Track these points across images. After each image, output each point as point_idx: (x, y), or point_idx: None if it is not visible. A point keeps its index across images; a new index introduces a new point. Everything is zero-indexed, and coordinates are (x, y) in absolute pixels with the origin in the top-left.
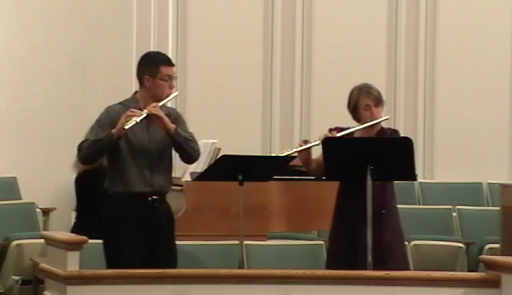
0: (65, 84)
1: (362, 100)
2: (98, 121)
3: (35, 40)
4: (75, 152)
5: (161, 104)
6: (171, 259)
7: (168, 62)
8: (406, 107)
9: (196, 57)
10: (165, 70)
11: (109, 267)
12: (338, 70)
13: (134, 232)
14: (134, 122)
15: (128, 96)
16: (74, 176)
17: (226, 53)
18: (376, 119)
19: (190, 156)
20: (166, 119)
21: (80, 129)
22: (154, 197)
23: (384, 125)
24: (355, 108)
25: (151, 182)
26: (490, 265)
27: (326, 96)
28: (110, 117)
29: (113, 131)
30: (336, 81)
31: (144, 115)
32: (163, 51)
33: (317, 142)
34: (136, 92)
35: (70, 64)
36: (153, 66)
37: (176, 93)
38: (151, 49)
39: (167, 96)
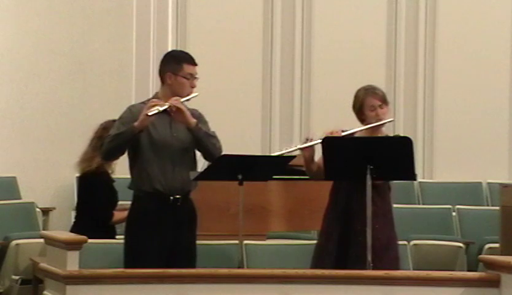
0: (65, 84)
1: (368, 101)
2: (120, 118)
3: (35, 40)
4: (75, 151)
5: (181, 100)
6: (191, 258)
7: (191, 61)
8: (406, 107)
9: (196, 57)
10: (188, 68)
11: (127, 266)
12: (338, 71)
13: (155, 232)
14: (157, 110)
15: (127, 96)
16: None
17: (226, 53)
18: (380, 120)
19: (210, 152)
20: (188, 113)
21: (79, 129)
22: (176, 196)
23: (389, 131)
24: (360, 109)
25: (172, 180)
26: (490, 265)
27: (326, 96)
28: (132, 115)
29: (135, 123)
30: (336, 81)
31: (166, 106)
32: (162, 51)
33: (320, 141)
34: (157, 93)
35: (70, 64)
36: (176, 63)
37: (196, 94)
38: (151, 49)
39: (188, 95)
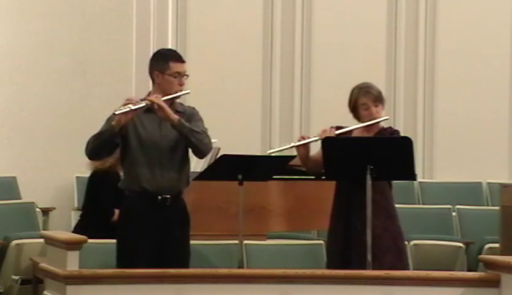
0: (65, 84)
1: (361, 99)
2: (108, 118)
3: (35, 40)
4: (75, 151)
5: (167, 98)
6: (183, 258)
7: (178, 58)
8: (406, 107)
9: (196, 57)
10: (174, 66)
11: (119, 266)
12: (338, 70)
13: (145, 231)
14: (128, 109)
15: (127, 95)
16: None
17: (226, 53)
18: (375, 118)
19: (198, 149)
20: (168, 110)
21: (79, 129)
22: (165, 196)
23: (385, 124)
24: (354, 107)
25: (161, 180)
26: (490, 265)
27: (325, 96)
28: None
29: (113, 122)
30: (336, 81)
31: (143, 104)
32: None
33: (316, 138)
34: (150, 92)
35: (70, 64)
36: (162, 61)
37: (188, 91)
38: (151, 49)
39: (176, 93)
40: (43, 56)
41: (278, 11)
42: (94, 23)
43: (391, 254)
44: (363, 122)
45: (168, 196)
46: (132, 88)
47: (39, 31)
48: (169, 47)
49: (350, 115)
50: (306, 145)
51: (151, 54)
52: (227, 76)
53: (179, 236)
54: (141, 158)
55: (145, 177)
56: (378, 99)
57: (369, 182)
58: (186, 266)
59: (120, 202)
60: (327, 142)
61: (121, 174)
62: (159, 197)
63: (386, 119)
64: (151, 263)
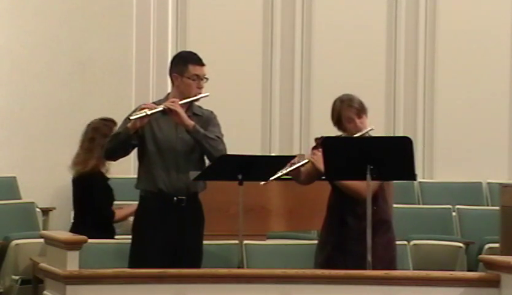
0: (65, 83)
1: (345, 113)
2: (125, 119)
3: (35, 40)
4: (75, 151)
5: (184, 101)
6: (195, 259)
7: (197, 61)
8: (406, 107)
9: None
10: (193, 69)
11: (131, 264)
12: (338, 71)
13: (159, 232)
14: (144, 114)
15: (127, 96)
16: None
17: (225, 53)
18: (360, 130)
19: (211, 155)
20: (184, 115)
21: (79, 128)
22: (180, 197)
23: (372, 133)
24: (338, 120)
25: (177, 181)
26: (490, 265)
27: (325, 96)
28: None
29: (128, 124)
30: (336, 81)
31: (159, 108)
32: (162, 51)
33: (306, 161)
34: (169, 93)
35: (70, 64)
36: (181, 64)
37: (207, 94)
38: (151, 49)
39: (195, 96)
40: (43, 56)
41: (278, 11)
42: (94, 23)
43: (384, 262)
44: (349, 134)
45: (184, 197)
46: (132, 88)
47: (39, 30)
48: (169, 46)
49: (335, 127)
50: (297, 168)
51: (151, 54)
52: (227, 76)
53: (194, 236)
54: (158, 159)
55: (161, 179)
56: (361, 110)
57: (369, 182)
58: (198, 266)
59: (112, 200)
60: (328, 143)
61: (104, 172)
62: (175, 198)
63: (371, 130)
64: (165, 263)
